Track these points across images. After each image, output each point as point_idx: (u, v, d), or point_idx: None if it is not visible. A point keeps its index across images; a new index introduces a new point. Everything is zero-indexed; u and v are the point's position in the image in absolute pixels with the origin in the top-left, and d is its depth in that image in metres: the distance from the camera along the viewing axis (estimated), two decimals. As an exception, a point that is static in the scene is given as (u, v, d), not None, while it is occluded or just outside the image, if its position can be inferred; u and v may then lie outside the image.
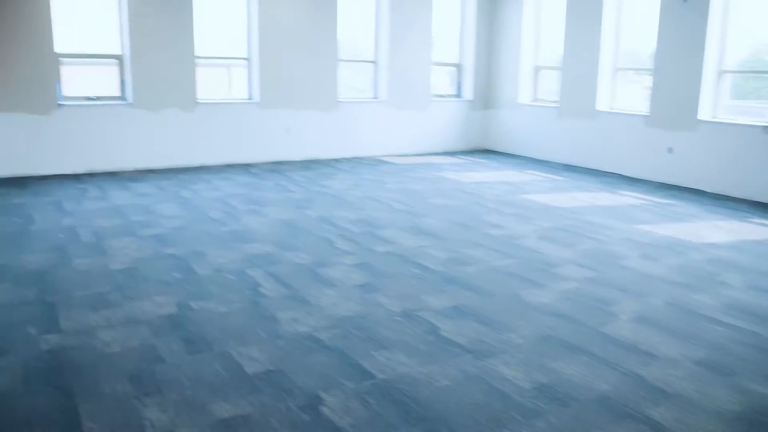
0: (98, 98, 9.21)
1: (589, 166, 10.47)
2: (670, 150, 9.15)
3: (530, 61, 11.78)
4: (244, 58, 10.24)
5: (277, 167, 9.86)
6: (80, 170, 9.00)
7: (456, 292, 4.56)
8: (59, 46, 8.77)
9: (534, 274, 5.01)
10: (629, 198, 8.17)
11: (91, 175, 8.83)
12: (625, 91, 10.39)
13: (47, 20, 8.57)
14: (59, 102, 8.80)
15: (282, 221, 6.51)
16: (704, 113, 8.74)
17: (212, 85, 10.22)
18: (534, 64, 11.80)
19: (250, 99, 10.29)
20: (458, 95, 12.48)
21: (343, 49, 10.91)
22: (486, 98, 12.48)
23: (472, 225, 6.55)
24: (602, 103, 10.26)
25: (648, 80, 9.64)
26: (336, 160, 10.72)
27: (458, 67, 12.44)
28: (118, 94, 9.35)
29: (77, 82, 9.17)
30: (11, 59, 8.41)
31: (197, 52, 9.63)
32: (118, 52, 9.30)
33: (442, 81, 12.43)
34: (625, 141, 9.84)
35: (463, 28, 12.31)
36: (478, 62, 12.26)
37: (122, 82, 9.33)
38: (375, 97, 11.52)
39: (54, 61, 8.72)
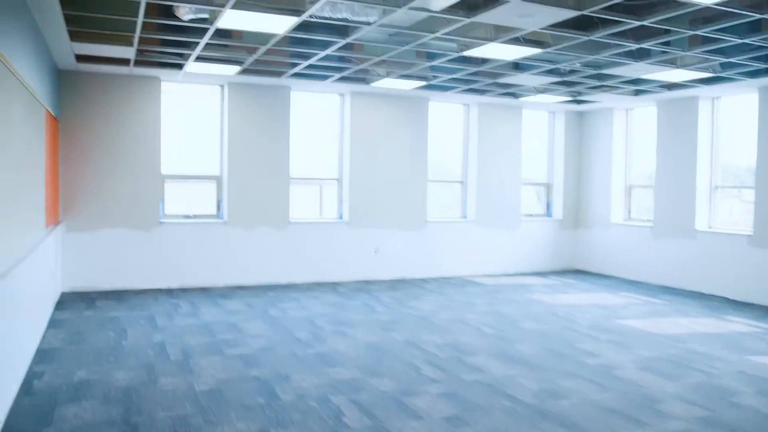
0: (196, 216, 9.63)
1: (690, 288, 9.88)
2: (781, 274, 8.53)
3: (622, 179, 11.55)
4: (335, 179, 10.55)
5: (364, 286, 9.84)
6: (174, 285, 9.29)
7: (551, 429, 4.21)
8: (165, 167, 9.35)
9: (635, 410, 4.59)
10: (737, 324, 7.57)
11: (184, 291, 9.08)
12: (725, 209, 9.93)
13: (157, 144, 9.20)
14: (161, 219, 9.25)
15: (368, 344, 6.37)
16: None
17: (304, 203, 10.52)
18: (626, 182, 11.55)
19: (339, 218, 10.49)
20: (548, 214, 12.30)
21: (431, 168, 11.08)
22: (576, 217, 12.23)
23: (565, 352, 6.18)
24: (701, 222, 9.81)
25: (749, 196, 9.19)
26: (424, 280, 10.61)
27: (547, 185, 12.34)
28: (214, 212, 9.76)
29: (178, 200, 9.65)
30: (123, 179, 9.00)
31: (291, 173, 10.02)
32: (216, 173, 9.80)
33: (531, 200, 12.32)
34: (729, 262, 9.28)
35: (551, 145, 12.32)
36: (568, 180, 12.14)
37: (219, 201, 9.76)
38: (463, 217, 11.50)
39: (160, 181, 9.27)
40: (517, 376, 5.37)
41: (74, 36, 6.71)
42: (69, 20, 6.05)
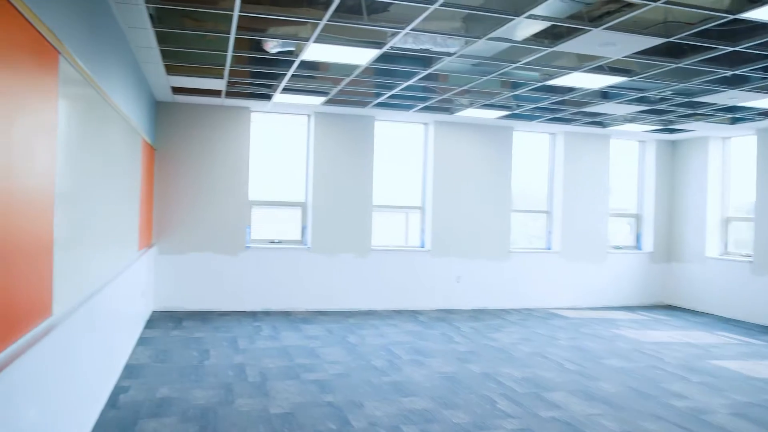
0: (281, 242, 9.88)
1: (795, 331, 9.23)
2: None
3: (718, 211, 10.99)
4: (418, 207, 10.58)
5: (444, 316, 9.77)
6: (258, 308, 9.53)
7: (631, 474, 4.00)
8: (252, 193, 9.68)
9: (728, 460, 4.30)
10: None
11: (266, 314, 9.29)
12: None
13: (245, 171, 9.55)
14: (247, 244, 9.55)
15: (444, 375, 6.29)
16: None
17: (388, 231, 10.59)
18: (722, 214, 10.98)
19: (421, 246, 10.49)
20: (637, 247, 11.84)
21: (516, 198, 10.93)
22: (668, 250, 11.71)
23: (651, 393, 5.89)
24: (807, 260, 9.18)
25: None
26: (505, 311, 10.41)
27: (637, 217, 11.90)
28: (298, 238, 9.98)
29: (264, 226, 9.93)
30: (213, 205, 9.38)
31: (375, 201, 10.14)
32: (302, 199, 10.05)
33: (619, 231, 11.91)
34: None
35: (641, 175, 11.90)
36: (659, 212, 11.66)
37: (303, 228, 9.98)
38: (548, 248, 11.24)
39: (247, 207, 9.59)
40: (598, 416, 5.16)
41: (170, 70, 7.10)
42: (166, 55, 6.41)
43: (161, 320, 8.51)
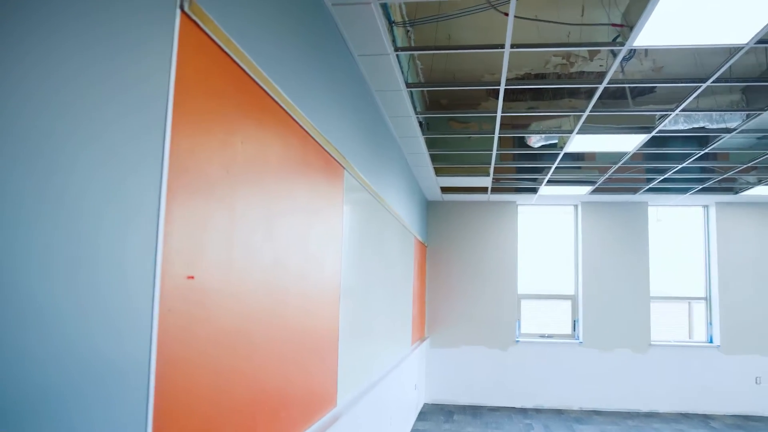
0: (551, 336, 9.59)
1: None
2: None
3: None
4: (702, 298, 9.57)
5: (743, 423, 8.50)
6: (528, 405, 9.24)
7: None
8: (521, 287, 9.64)
9: None
10: None
11: (537, 411, 8.96)
12: None
13: (514, 265, 9.59)
14: (517, 339, 9.43)
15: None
16: None
17: (668, 323, 9.71)
18: None
19: (710, 342, 9.39)
20: None
21: (826, 286, 9.35)
22: None
23: None
24: None
25: None
26: (824, 420, 8.74)
27: None
28: (569, 332, 9.61)
29: (533, 319, 9.76)
30: (482, 298, 9.52)
31: (652, 291, 9.43)
32: (571, 292, 9.72)
33: None
34: None
35: None
36: None
37: (574, 321, 9.59)
38: None
39: (516, 300, 9.56)
40: None
41: (439, 171, 7.55)
42: (435, 159, 6.85)
43: (432, 413, 8.67)
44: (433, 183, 8.22)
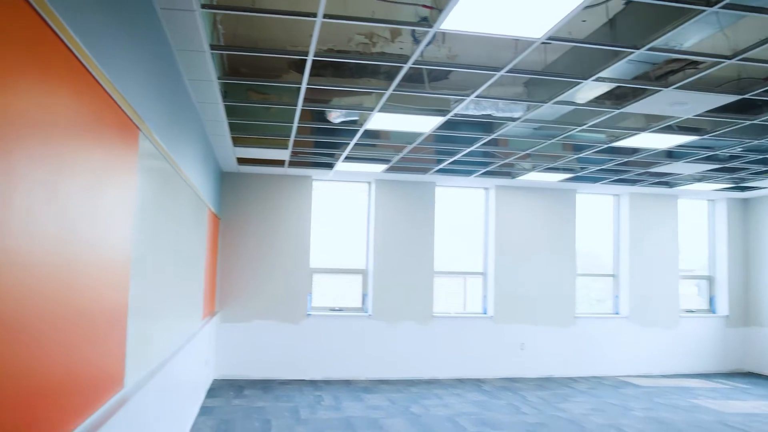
0: (342, 309, 9.82)
1: None
2: None
3: (798, 274, 10.44)
4: (480, 273, 10.41)
5: (509, 384, 9.43)
6: (318, 377, 9.41)
7: None
8: (314, 261, 9.72)
9: None
10: None
11: (327, 383, 9.16)
12: None
13: (307, 239, 9.63)
14: (308, 312, 9.52)
15: (514, 448, 6.01)
16: None
17: (448, 297, 10.42)
18: (804, 278, 10.42)
19: (484, 313, 10.26)
20: (711, 310, 11.31)
21: (580, 261, 10.66)
22: (746, 314, 11.14)
23: (743, 471, 5.47)
24: None
25: None
26: (573, 379, 10.00)
27: (709, 279, 11.41)
28: (359, 305, 9.91)
29: (325, 294, 9.92)
30: (275, 273, 9.45)
31: (436, 267, 10.04)
32: (362, 266, 10.02)
33: (691, 294, 11.41)
34: None
35: (712, 236, 11.47)
36: (733, 273, 11.16)
37: (364, 295, 9.91)
38: (616, 312, 10.85)
39: (308, 275, 9.62)
40: (686, 497, 4.79)
41: (237, 141, 7.29)
42: (233, 128, 6.59)
43: (223, 389, 8.48)
44: (229, 153, 7.94)
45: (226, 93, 5.37)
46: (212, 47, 4.18)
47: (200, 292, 6.95)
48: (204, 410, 7.23)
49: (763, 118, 5.70)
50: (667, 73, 4.65)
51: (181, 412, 5.58)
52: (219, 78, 4.89)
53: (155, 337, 4.20)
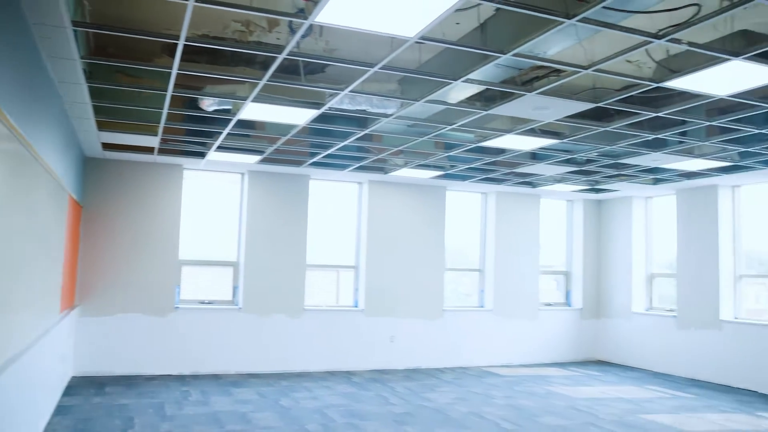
0: (211, 302, 9.59)
1: (718, 381, 9.55)
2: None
3: (643, 268, 11.40)
4: (352, 266, 10.52)
5: (379, 376, 9.62)
6: (186, 372, 9.15)
7: None
8: (183, 253, 9.42)
9: None
10: (771, 424, 7.24)
11: (195, 377, 8.92)
12: (750, 298, 9.72)
13: (176, 230, 9.30)
14: (176, 305, 9.22)
15: (382, 437, 6.14)
16: None
17: (321, 290, 10.46)
18: (647, 271, 11.40)
19: (355, 306, 10.40)
20: (567, 303, 12.11)
21: (449, 257, 11.04)
22: (597, 306, 12.02)
23: (589, 451, 5.91)
24: (726, 312, 9.60)
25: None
26: (440, 370, 10.36)
27: (566, 274, 12.21)
28: (230, 298, 9.72)
29: (194, 286, 9.64)
30: (141, 264, 9.06)
31: (308, 260, 10.04)
32: (234, 258, 9.83)
33: (550, 289, 12.16)
34: (757, 353, 9.01)
35: (570, 234, 12.28)
36: (587, 269, 12.01)
37: (235, 288, 9.74)
38: (481, 306, 11.35)
39: (177, 267, 9.31)
40: (539, 476, 5.12)
41: (102, 125, 6.92)
42: (98, 111, 6.25)
43: (82, 386, 8.03)
44: (94, 137, 7.51)
45: (91, 74, 5.09)
46: (74, 23, 3.94)
47: (58, 284, 6.54)
48: (60, 409, 6.81)
49: (614, 126, 6.17)
50: (532, 78, 4.93)
51: (31, 413, 5.22)
52: (82, 57, 4.62)
53: (7, 332, 3.91)
